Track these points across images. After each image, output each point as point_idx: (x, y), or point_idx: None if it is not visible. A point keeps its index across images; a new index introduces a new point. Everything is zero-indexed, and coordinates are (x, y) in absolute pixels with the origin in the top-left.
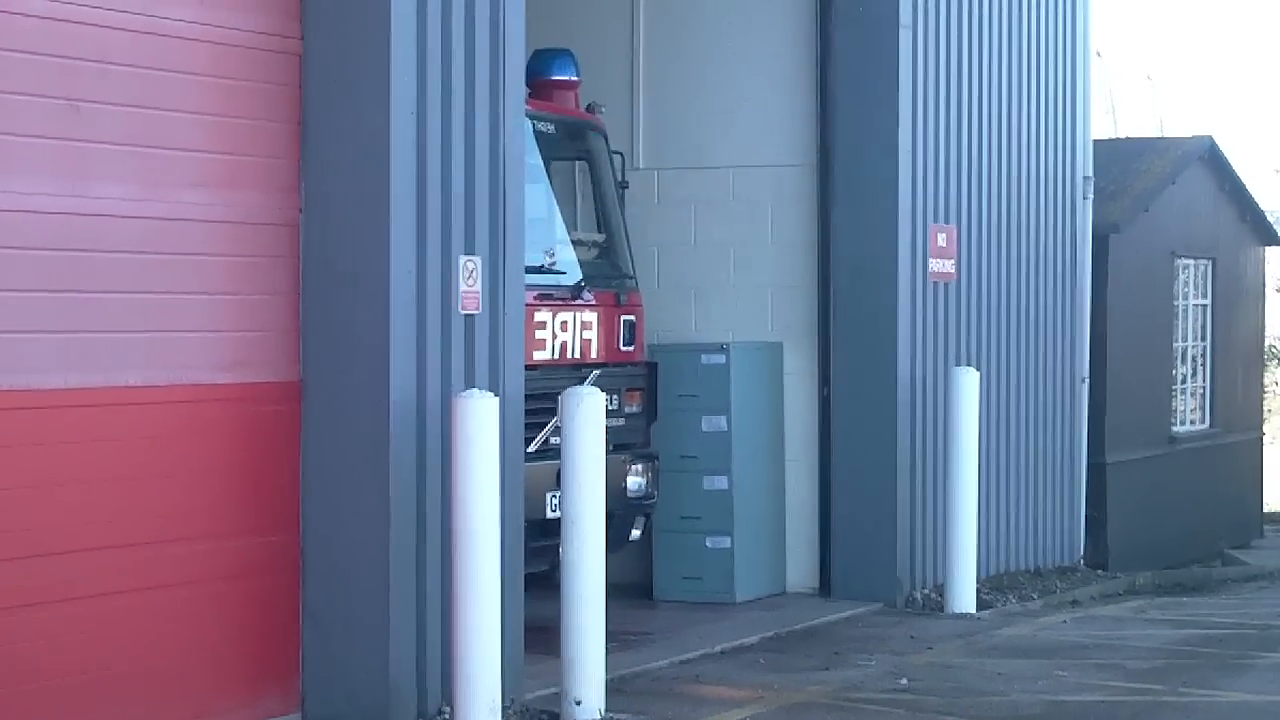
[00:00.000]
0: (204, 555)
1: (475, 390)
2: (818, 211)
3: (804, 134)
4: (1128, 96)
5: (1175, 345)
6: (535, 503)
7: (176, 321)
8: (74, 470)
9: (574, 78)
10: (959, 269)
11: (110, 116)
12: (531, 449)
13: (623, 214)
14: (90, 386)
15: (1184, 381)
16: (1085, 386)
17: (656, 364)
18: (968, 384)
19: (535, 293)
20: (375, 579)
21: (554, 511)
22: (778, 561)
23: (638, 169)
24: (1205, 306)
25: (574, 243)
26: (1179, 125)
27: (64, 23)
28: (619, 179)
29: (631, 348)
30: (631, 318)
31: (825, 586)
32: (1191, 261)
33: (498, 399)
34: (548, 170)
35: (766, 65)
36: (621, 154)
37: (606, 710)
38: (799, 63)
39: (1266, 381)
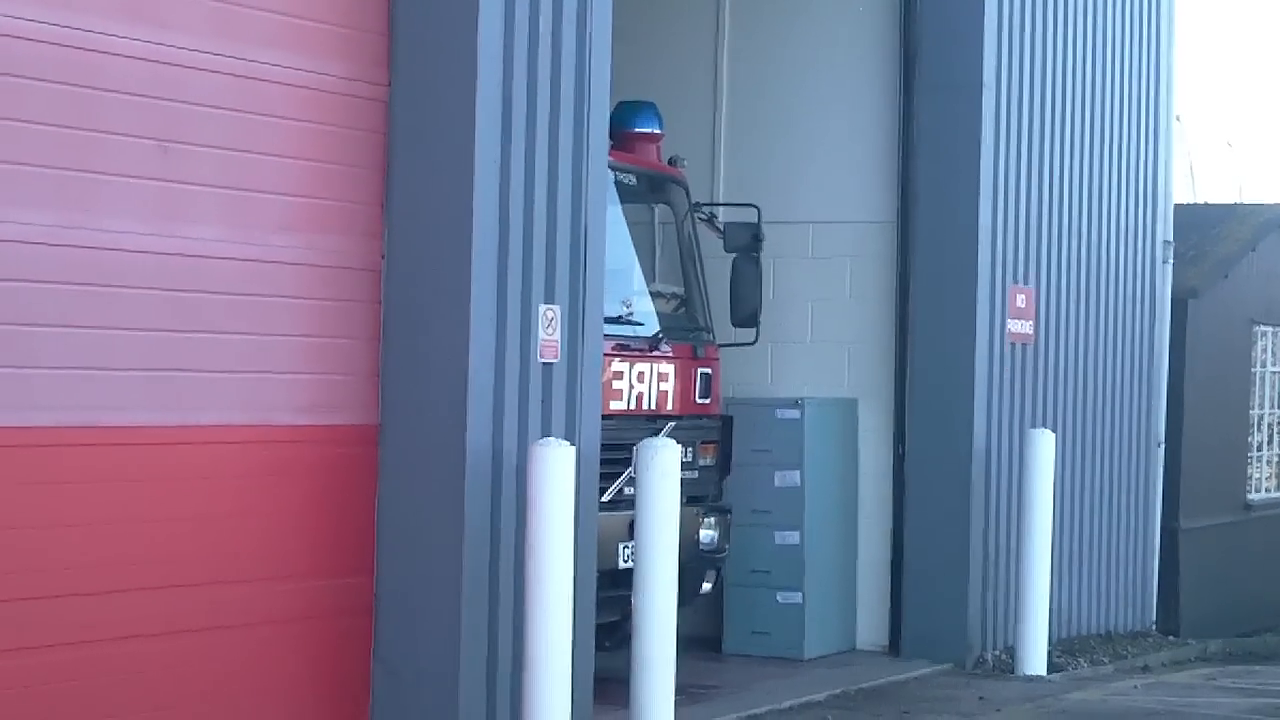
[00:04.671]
0: (278, 596)
1: (552, 439)
2: (896, 269)
3: (885, 191)
4: (1207, 162)
5: (1252, 412)
6: (608, 553)
7: (259, 362)
8: (154, 507)
9: (657, 130)
10: (1037, 330)
11: (200, 158)
12: (605, 499)
13: (701, 267)
14: (173, 425)
15: (1260, 449)
16: (1161, 451)
17: (732, 417)
18: (1044, 446)
19: (613, 343)
20: (447, 625)
21: (626, 562)
22: (848, 619)
23: (715, 220)
24: None
25: (652, 294)
26: (1259, 191)
27: (157, 64)
28: (758, 234)
29: (707, 400)
30: (708, 370)
31: (895, 645)
32: (1270, 329)
33: (574, 448)
34: (628, 222)
35: (848, 122)
36: (757, 207)
37: None
38: (880, 120)
39: None
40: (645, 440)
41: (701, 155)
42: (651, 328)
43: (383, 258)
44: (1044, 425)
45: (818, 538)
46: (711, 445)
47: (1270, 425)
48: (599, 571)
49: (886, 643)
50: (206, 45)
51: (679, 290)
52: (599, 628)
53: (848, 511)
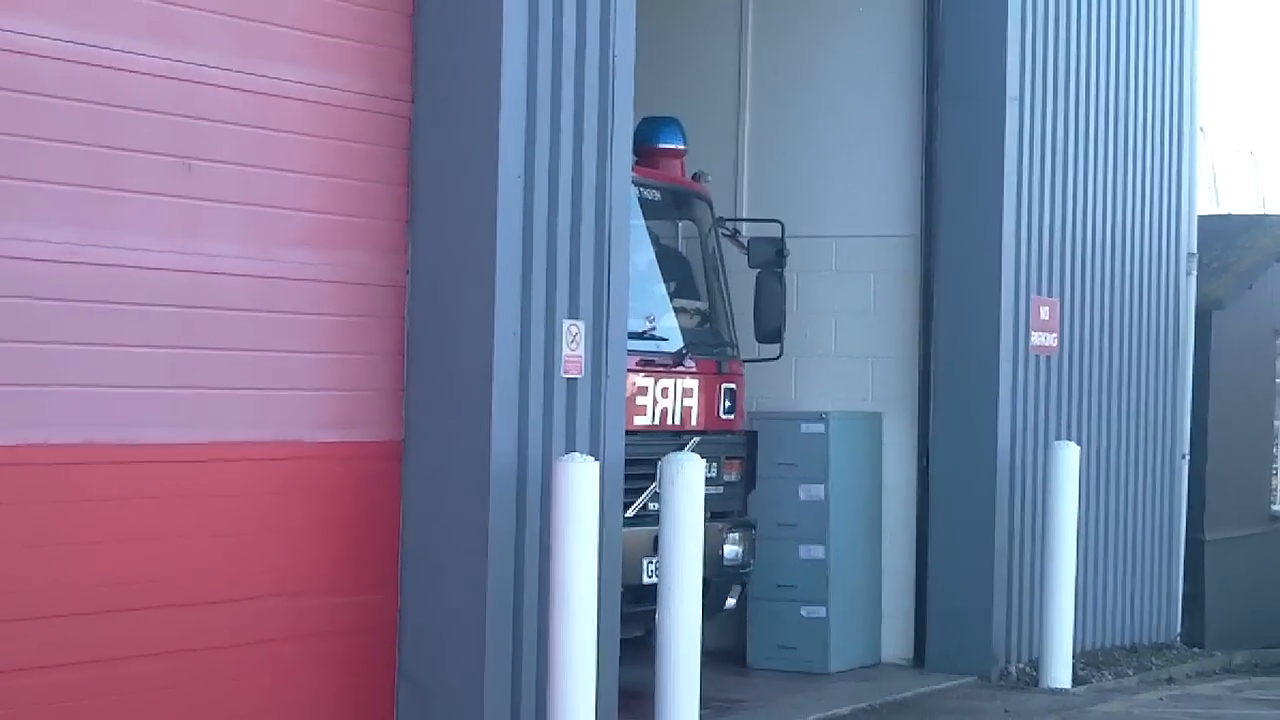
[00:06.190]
0: (302, 612)
1: (576, 454)
2: (920, 282)
3: (908, 205)
4: (1230, 172)
5: (1276, 423)
6: (632, 568)
7: (282, 379)
8: (176, 524)
9: (680, 146)
10: (1061, 342)
11: (222, 175)
12: (630, 514)
13: (725, 282)
14: (195, 442)
15: None
16: (1185, 463)
17: (756, 432)
18: (1067, 458)
19: (637, 358)
20: (471, 641)
21: (650, 577)
22: (873, 632)
23: (739, 235)
24: None
25: (676, 310)
26: None
27: (179, 81)
28: (782, 249)
29: (731, 415)
30: (732, 385)
31: (920, 658)
32: None
33: (598, 464)
34: (652, 237)
35: (872, 136)
36: (781, 222)
37: None
38: (904, 134)
39: None
40: (669, 455)
41: (725, 170)
42: (675, 343)
43: (407, 273)
44: (1068, 437)
45: (842, 551)
46: (736, 460)
47: None
48: (623, 587)
49: (911, 656)
50: (229, 62)
51: (703, 305)
52: (623, 643)
53: (872, 525)
